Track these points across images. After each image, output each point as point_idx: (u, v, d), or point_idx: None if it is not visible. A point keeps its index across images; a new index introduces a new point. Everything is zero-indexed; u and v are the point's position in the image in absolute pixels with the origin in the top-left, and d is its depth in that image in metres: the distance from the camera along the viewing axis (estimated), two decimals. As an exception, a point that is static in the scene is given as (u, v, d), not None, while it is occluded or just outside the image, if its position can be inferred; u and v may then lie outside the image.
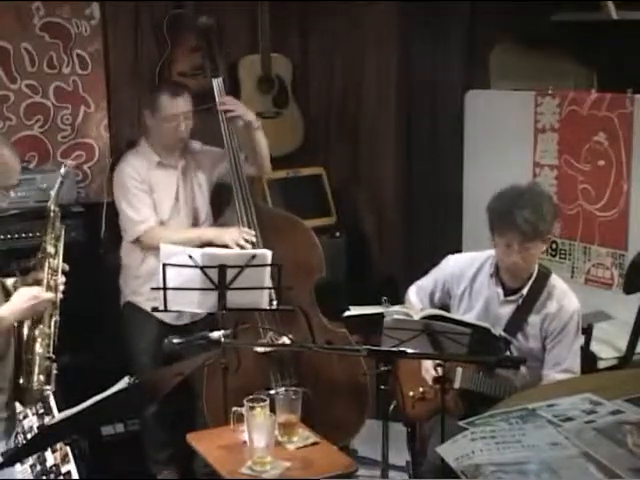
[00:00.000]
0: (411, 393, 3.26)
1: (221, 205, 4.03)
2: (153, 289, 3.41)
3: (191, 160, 3.93)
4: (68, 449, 3.14)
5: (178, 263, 3.31)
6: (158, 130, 3.79)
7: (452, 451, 1.96)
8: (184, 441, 3.00)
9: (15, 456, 2.57)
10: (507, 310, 3.18)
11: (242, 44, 4.69)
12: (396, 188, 5.01)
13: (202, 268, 3.31)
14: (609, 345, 3.66)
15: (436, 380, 2.95)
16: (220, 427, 3.08)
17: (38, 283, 2.66)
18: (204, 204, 3.96)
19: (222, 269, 3.31)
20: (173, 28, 4.42)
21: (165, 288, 3.32)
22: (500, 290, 3.19)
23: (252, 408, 2.74)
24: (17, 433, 2.82)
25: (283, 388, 3.08)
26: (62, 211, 2.79)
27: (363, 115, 5.01)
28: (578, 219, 4.07)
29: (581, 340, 3.29)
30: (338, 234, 4.71)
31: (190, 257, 3.31)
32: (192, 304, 3.42)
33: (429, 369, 3.13)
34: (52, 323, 2.67)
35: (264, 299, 3.47)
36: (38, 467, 3.10)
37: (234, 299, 3.35)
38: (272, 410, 2.81)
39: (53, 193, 2.77)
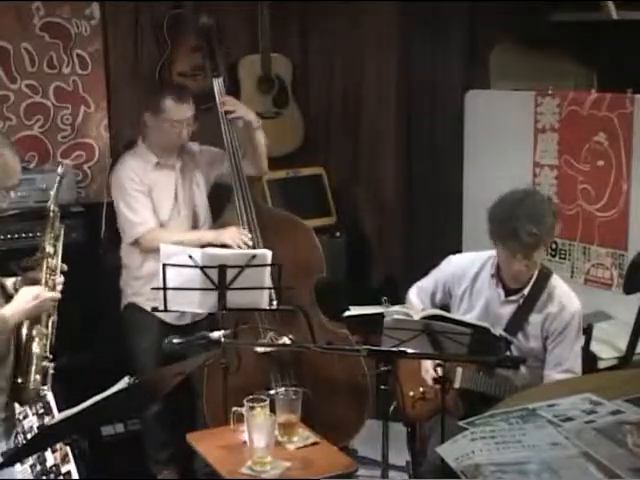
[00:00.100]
0: (411, 393, 3.26)
1: (221, 205, 4.03)
2: (153, 289, 3.41)
3: (188, 160, 3.92)
4: (68, 449, 3.14)
5: (178, 263, 3.31)
6: (159, 132, 3.77)
7: (452, 451, 1.96)
8: (184, 441, 3.00)
9: (15, 456, 2.56)
10: (508, 310, 3.18)
11: (242, 44, 4.69)
12: (396, 188, 5.01)
13: (202, 268, 3.31)
14: (609, 345, 3.66)
15: (436, 380, 2.95)
16: (220, 427, 3.07)
17: (36, 283, 2.65)
18: (203, 204, 3.96)
19: (222, 269, 3.31)
20: (173, 28, 4.42)
21: (165, 288, 3.32)
22: (501, 290, 3.19)
23: (252, 408, 2.74)
24: (17, 433, 2.81)
25: (283, 388, 3.09)
26: (62, 211, 2.78)
27: (363, 115, 5.01)
28: (578, 219, 4.07)
29: (582, 340, 3.29)
30: (338, 234, 4.71)
31: (190, 257, 3.31)
32: (192, 304, 3.42)
33: (429, 369, 3.12)
34: (50, 323, 2.66)
35: (264, 299, 3.47)
36: (38, 467, 3.11)
37: (234, 299, 3.35)
38: (272, 410, 2.81)
39: (52, 193, 2.77)
